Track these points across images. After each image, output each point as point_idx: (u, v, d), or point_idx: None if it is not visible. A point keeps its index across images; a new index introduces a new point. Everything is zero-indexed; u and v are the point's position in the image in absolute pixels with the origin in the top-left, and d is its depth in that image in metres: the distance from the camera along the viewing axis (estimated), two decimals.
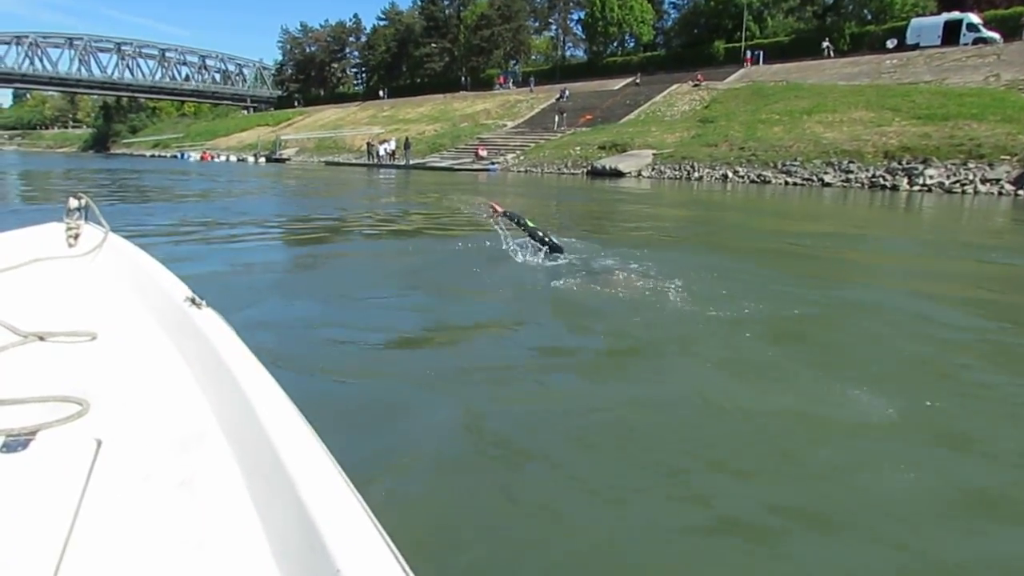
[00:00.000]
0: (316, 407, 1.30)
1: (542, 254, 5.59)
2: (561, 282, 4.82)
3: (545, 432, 2.49)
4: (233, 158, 47.82)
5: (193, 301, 1.49)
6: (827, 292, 5.12)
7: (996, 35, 31.22)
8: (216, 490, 0.96)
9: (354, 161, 39.46)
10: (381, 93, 63.45)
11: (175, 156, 55.67)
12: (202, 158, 49.53)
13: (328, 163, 40.21)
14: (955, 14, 33.59)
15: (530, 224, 5.66)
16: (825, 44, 37.98)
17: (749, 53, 41.44)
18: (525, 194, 18.32)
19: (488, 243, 5.94)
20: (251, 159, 45.41)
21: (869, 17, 40.29)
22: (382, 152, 36.24)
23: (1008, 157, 18.07)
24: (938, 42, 32.81)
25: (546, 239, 5.61)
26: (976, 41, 31.35)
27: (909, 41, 34.34)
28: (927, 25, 34.38)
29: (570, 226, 7.08)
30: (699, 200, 16.84)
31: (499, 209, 5.76)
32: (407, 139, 36.32)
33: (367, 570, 0.71)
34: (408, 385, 2.92)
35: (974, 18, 32.73)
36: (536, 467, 2.25)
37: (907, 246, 8.47)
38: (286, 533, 0.83)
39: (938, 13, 35.88)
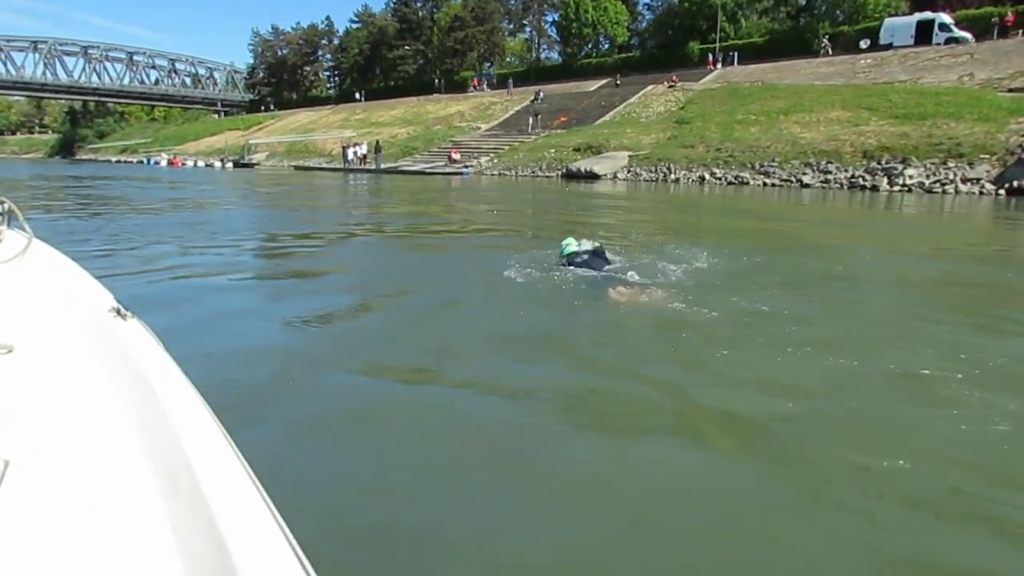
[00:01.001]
0: (243, 429, 1.36)
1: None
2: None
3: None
4: (201, 163, 46.47)
5: (119, 312, 1.43)
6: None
7: (968, 35, 31.23)
8: (130, 515, 0.89)
9: (325, 165, 38.63)
10: (357, 96, 62.33)
11: (141, 161, 54.11)
12: (171, 163, 48.07)
13: (298, 167, 39.19)
14: (927, 14, 33.59)
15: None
16: (824, 43, 37.36)
17: (711, 55, 41.13)
18: (498, 200, 17.67)
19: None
20: (218, 164, 44.07)
21: (842, 18, 40.24)
22: (351, 156, 35.36)
23: (987, 156, 17.78)
24: (911, 42, 32.78)
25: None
26: (948, 41, 31.35)
27: (882, 41, 34.28)
28: (900, 25, 34.35)
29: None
30: (685, 203, 16.30)
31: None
32: (377, 142, 35.41)
33: None
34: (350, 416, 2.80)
35: (946, 18, 32.74)
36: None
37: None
38: (201, 561, 0.79)
39: (910, 13, 35.89)
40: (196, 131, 69.54)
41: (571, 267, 5.50)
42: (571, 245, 5.78)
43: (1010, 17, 31.00)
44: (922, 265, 6.94)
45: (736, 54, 40.16)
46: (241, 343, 3.82)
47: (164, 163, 48.69)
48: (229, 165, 42.98)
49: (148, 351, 1.26)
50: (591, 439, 2.58)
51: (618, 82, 39.81)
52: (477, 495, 2.13)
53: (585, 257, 5.58)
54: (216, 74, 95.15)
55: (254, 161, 44.91)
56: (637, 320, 4.06)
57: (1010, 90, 22.88)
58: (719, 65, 39.88)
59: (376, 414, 2.79)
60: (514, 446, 2.48)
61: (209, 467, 0.88)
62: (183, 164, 47.04)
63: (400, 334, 3.92)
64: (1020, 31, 29.78)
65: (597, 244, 5.84)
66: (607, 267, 5.59)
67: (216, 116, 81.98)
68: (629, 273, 5.35)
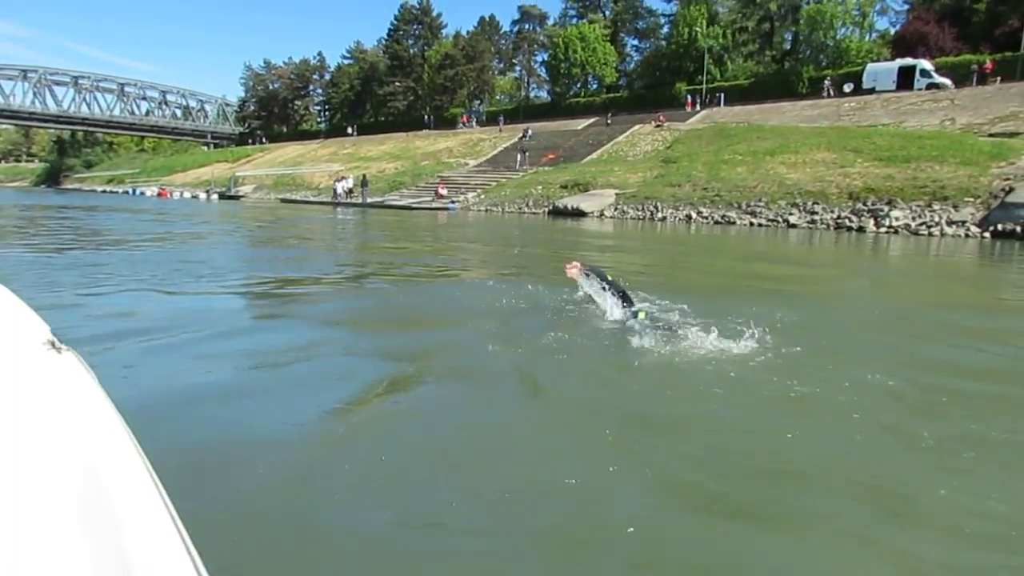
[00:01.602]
0: (173, 471, 1.27)
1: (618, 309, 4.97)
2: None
3: None
4: (187, 194, 46.19)
5: (54, 345, 1.38)
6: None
7: (948, 81, 31.92)
8: (43, 556, 0.81)
9: (312, 199, 38.42)
10: (350, 131, 62.60)
11: (127, 192, 53.74)
12: (160, 194, 47.61)
13: (284, 200, 38.98)
14: (909, 60, 34.39)
15: (609, 278, 5.25)
16: (826, 82, 37.81)
17: (690, 97, 41.73)
18: (489, 240, 17.43)
19: None
20: (203, 196, 43.80)
21: (825, 62, 41.05)
22: (339, 190, 35.18)
23: (972, 199, 17.83)
24: (893, 87, 33.42)
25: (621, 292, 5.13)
26: (929, 86, 32.01)
27: (865, 85, 34.96)
28: (882, 70, 35.08)
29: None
30: (682, 243, 16.06)
31: (577, 268, 5.39)
32: (364, 176, 35.33)
33: None
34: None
35: (927, 64, 33.49)
36: None
37: None
38: None
39: (892, 59, 36.69)
40: (184, 162, 69.43)
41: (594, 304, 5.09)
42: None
43: (988, 65, 31.73)
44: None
45: (723, 95, 40.78)
46: (189, 390, 3.44)
47: (150, 194, 48.26)
48: (214, 197, 42.69)
49: (81, 386, 1.20)
50: None
51: (609, 121, 40.20)
52: None
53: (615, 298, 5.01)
54: (207, 106, 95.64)
55: (240, 193, 44.71)
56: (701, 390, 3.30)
57: (990, 135, 23.19)
58: (698, 107, 40.50)
59: (326, 483, 2.41)
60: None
61: (131, 507, 0.83)
62: (171, 195, 46.73)
63: (374, 396, 3.45)
64: (998, 79, 30.40)
65: (609, 281, 5.27)
66: (642, 313, 4.87)
67: (206, 148, 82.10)
68: (674, 321, 4.72)
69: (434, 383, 3.79)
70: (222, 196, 43.00)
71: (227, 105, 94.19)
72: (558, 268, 5.78)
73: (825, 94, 36.43)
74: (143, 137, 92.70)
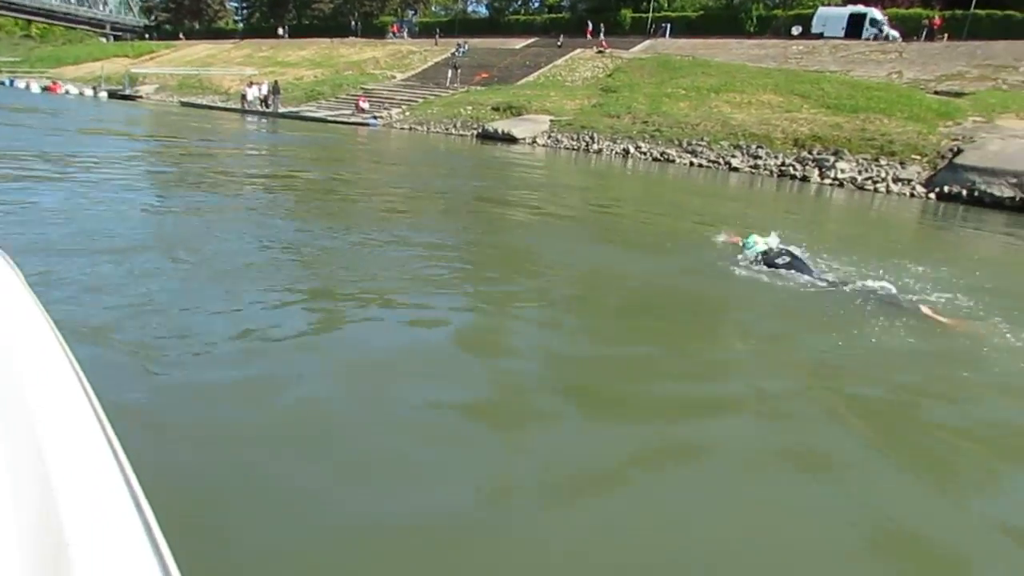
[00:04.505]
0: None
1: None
2: None
3: None
4: (74, 91, 40.52)
5: None
6: None
7: (896, 33, 31.08)
8: None
9: (219, 104, 34.49)
10: (280, 31, 56.21)
11: (2, 83, 47.02)
12: (49, 89, 41.29)
13: (186, 104, 34.85)
14: (860, 8, 33.18)
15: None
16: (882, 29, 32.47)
17: (563, 37, 38.24)
18: (396, 163, 15.38)
19: None
20: (89, 92, 38.46)
21: (776, 2, 39.53)
22: (251, 96, 31.48)
23: (918, 157, 16.96)
24: (842, 34, 32.37)
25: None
26: (876, 37, 31.10)
27: (814, 30, 33.73)
28: (832, 16, 33.81)
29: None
30: (647, 182, 14.46)
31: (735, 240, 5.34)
32: (275, 83, 31.76)
33: None
34: None
35: (877, 14, 32.42)
36: None
37: None
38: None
39: (843, 4, 35.48)
40: (77, 54, 61.68)
41: (771, 268, 4.66)
42: (758, 243, 4.98)
43: (937, 21, 30.91)
44: None
45: (668, 26, 38.76)
46: None
47: (36, 88, 41.88)
48: (103, 95, 37.42)
49: (6, 289, 1.10)
50: None
51: (560, 43, 37.05)
52: None
53: (787, 259, 4.63)
54: None
55: (139, 93, 39.68)
56: None
57: (936, 92, 22.45)
58: (588, 35, 37.98)
59: None
60: None
61: (55, 413, 0.75)
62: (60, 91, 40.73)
63: None
64: (945, 36, 29.69)
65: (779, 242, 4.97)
66: (821, 274, 4.61)
67: (104, 40, 73.57)
68: (879, 284, 4.38)
69: None
70: (113, 95, 37.82)
71: None
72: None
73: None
74: (29, 21, 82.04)
